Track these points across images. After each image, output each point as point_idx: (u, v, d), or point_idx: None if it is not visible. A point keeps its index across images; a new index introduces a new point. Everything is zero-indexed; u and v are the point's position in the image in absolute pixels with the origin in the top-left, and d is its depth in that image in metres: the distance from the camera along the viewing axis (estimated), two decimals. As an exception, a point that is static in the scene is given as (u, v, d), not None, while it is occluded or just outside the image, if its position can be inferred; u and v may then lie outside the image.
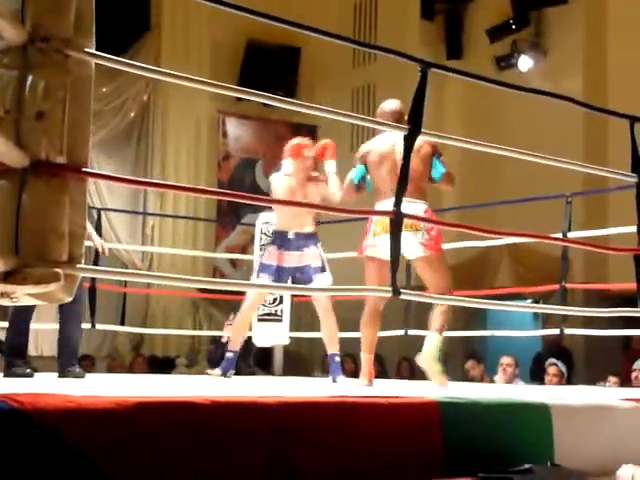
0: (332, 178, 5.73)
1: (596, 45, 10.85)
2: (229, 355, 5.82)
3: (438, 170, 4.96)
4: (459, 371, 9.33)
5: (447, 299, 4.56)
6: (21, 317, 5.26)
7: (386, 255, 4.82)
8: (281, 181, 5.77)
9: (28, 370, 5.16)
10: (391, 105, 5.07)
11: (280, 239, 5.76)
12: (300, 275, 5.67)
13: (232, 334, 5.96)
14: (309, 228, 5.76)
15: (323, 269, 5.70)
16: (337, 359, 5.76)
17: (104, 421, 2.18)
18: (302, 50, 12.56)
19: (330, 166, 5.83)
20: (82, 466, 2.11)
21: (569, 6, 10.93)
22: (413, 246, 4.80)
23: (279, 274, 5.67)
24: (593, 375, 8.29)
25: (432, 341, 4.77)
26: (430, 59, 3.50)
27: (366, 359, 5.01)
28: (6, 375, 5.01)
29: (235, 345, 5.86)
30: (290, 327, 7.21)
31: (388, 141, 4.84)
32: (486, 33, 11.58)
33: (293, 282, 5.69)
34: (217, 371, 5.79)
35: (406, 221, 4.61)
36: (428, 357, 4.75)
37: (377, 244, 4.80)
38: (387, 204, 4.65)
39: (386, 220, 4.66)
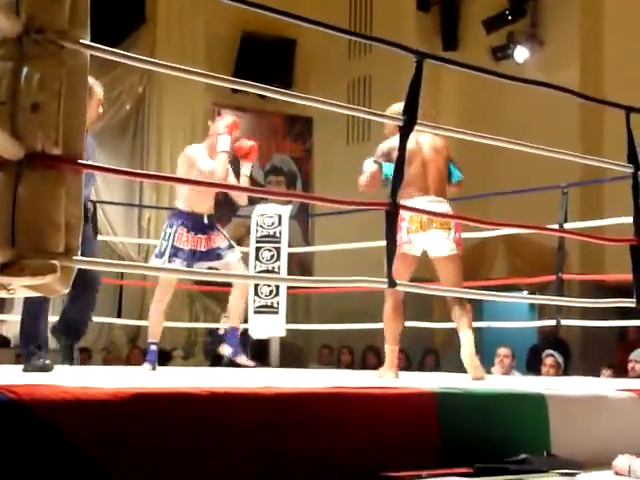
0: (244, 180, 5.79)
1: (592, 36, 10.85)
2: (153, 347, 5.70)
3: (456, 175, 5.20)
4: (458, 362, 9.34)
5: (444, 290, 4.56)
6: (34, 300, 4.78)
7: (419, 252, 4.94)
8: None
9: (48, 361, 4.75)
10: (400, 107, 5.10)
11: (192, 221, 5.59)
12: (213, 258, 5.63)
13: (151, 325, 5.80)
14: (212, 209, 5.70)
15: (231, 246, 5.69)
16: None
17: (101, 412, 2.18)
18: (297, 42, 12.54)
19: (246, 168, 5.85)
20: (78, 458, 2.12)
21: (565, -3, 10.94)
22: (444, 244, 4.94)
23: (192, 258, 5.57)
24: (589, 366, 8.30)
25: (469, 339, 4.98)
26: (426, 50, 3.49)
27: (391, 350, 5.09)
28: (25, 369, 4.66)
29: (156, 336, 5.76)
30: (286, 319, 7.22)
31: (412, 139, 4.90)
32: (482, 24, 11.57)
33: (208, 267, 5.64)
34: (147, 366, 5.61)
35: (438, 220, 4.85)
36: (469, 354, 4.97)
37: (412, 241, 4.89)
38: (419, 202, 4.74)
39: (421, 218, 4.84)
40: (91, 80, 4.32)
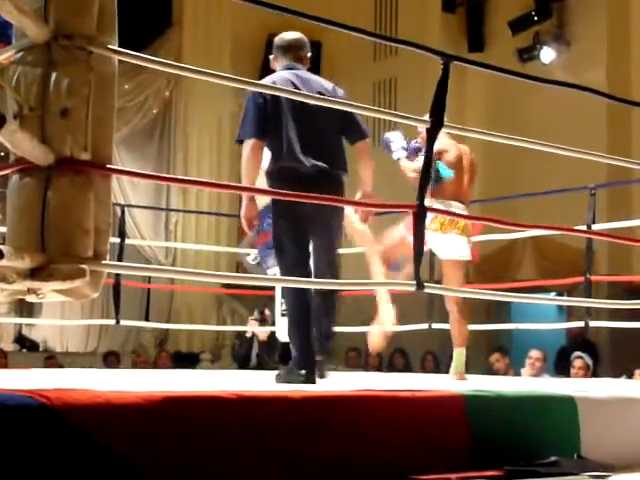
0: None
1: (619, 35, 10.79)
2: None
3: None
4: (484, 364, 9.31)
5: (471, 292, 4.55)
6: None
7: (435, 251, 4.99)
8: None
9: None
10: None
11: None
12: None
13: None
14: None
15: None
16: None
17: (131, 416, 2.19)
18: (323, 44, 12.55)
19: None
20: (109, 461, 2.13)
21: (591, -3, 10.89)
22: (458, 248, 5.00)
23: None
24: (618, 368, 8.24)
25: (460, 357, 5.07)
26: (451, 52, 3.48)
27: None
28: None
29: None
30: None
31: (453, 147, 5.03)
32: (508, 25, 11.53)
33: None
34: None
35: (460, 226, 4.92)
36: (456, 372, 5.05)
37: (429, 240, 4.89)
38: (447, 205, 4.79)
39: (444, 220, 4.91)
40: None
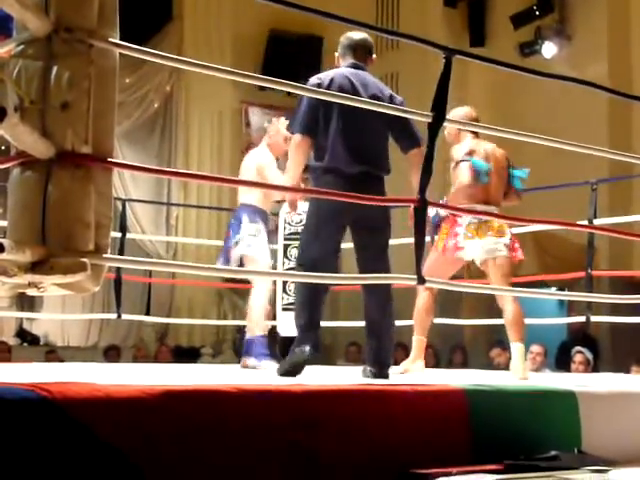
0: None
1: (620, 30, 10.77)
2: (262, 340, 5.67)
3: (517, 184, 5.25)
4: (484, 359, 9.31)
5: (472, 287, 4.55)
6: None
7: (470, 257, 5.00)
8: None
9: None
10: (460, 112, 5.28)
11: (265, 219, 5.81)
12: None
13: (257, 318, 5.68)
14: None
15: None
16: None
17: (132, 410, 2.19)
18: (325, 39, 12.53)
19: None
20: (109, 455, 2.13)
21: (593, -8, 10.86)
22: (495, 248, 4.94)
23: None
24: (619, 362, 8.24)
25: (517, 351, 4.89)
26: (453, 46, 3.47)
27: (420, 341, 5.19)
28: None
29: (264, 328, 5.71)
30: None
31: (479, 148, 5.02)
32: (510, 19, 11.51)
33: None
34: (269, 363, 5.47)
35: (495, 227, 4.91)
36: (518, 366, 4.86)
37: (465, 246, 4.95)
38: (485, 208, 4.88)
39: (479, 225, 4.91)
40: None
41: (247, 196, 5.74)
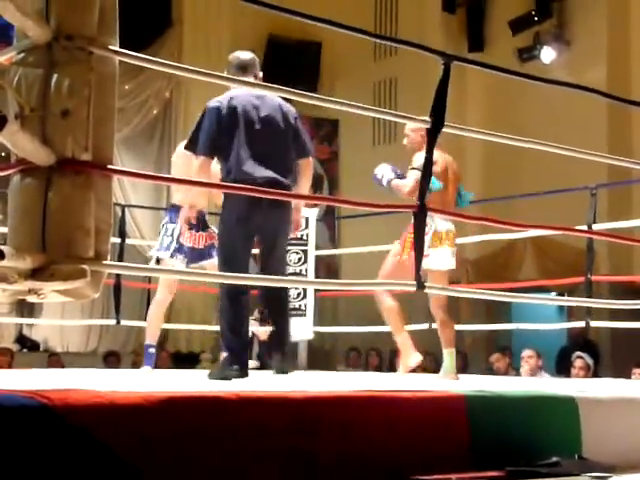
0: None
1: (619, 35, 10.79)
2: (151, 350, 5.59)
3: (466, 200, 5.42)
4: (484, 364, 9.32)
5: (472, 292, 4.55)
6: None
7: (435, 266, 5.09)
8: None
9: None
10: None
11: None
12: (206, 257, 5.58)
13: (151, 326, 5.65)
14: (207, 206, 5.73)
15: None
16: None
17: (132, 416, 2.19)
18: (323, 45, 12.56)
19: None
20: (109, 462, 2.13)
21: (592, -3, 10.88)
22: (448, 259, 5.18)
23: (191, 256, 5.57)
24: (619, 368, 8.24)
25: (449, 357, 5.19)
26: (451, 52, 3.48)
27: (405, 337, 5.25)
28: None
29: (154, 338, 5.64)
30: (314, 321, 7.22)
31: (441, 158, 5.12)
32: (508, 25, 11.53)
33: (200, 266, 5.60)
34: (147, 368, 5.54)
35: (450, 237, 5.12)
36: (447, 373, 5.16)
37: (430, 254, 5.04)
38: (434, 219, 5.00)
39: (441, 235, 5.10)
40: None
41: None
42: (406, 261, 5.06)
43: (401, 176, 5.25)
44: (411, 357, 5.17)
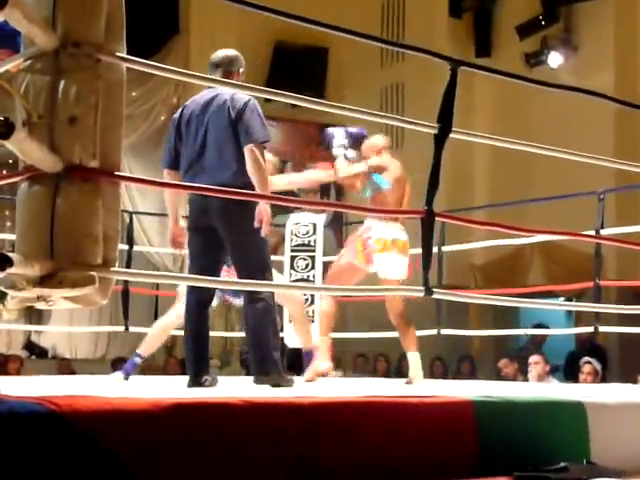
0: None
1: (626, 40, 10.78)
2: (137, 360, 5.46)
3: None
4: (492, 369, 9.30)
5: (480, 297, 4.55)
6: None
7: (383, 274, 5.17)
8: None
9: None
10: (376, 140, 5.61)
11: None
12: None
13: (152, 338, 5.56)
14: None
15: None
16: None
17: (140, 422, 2.19)
18: (330, 50, 12.56)
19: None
20: (116, 468, 2.13)
21: (599, 1, 10.86)
22: (399, 269, 5.22)
23: None
24: (627, 373, 8.22)
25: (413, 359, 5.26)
26: (458, 57, 3.48)
27: (326, 341, 5.44)
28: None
29: (148, 352, 5.54)
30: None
31: (399, 168, 5.20)
32: (515, 30, 11.52)
33: None
34: (120, 375, 5.37)
35: (400, 245, 5.17)
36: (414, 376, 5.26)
37: (375, 261, 5.18)
38: (389, 226, 5.15)
39: (386, 241, 5.15)
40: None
41: None
42: (356, 265, 5.19)
43: (353, 138, 5.43)
44: (323, 363, 5.30)
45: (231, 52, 4.72)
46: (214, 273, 4.38)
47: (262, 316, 4.36)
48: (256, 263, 4.39)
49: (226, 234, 4.43)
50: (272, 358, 4.32)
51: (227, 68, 4.63)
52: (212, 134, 4.46)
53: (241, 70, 4.69)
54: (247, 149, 4.37)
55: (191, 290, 4.50)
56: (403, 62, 12.27)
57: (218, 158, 4.44)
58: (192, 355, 4.44)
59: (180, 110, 4.70)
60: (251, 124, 4.39)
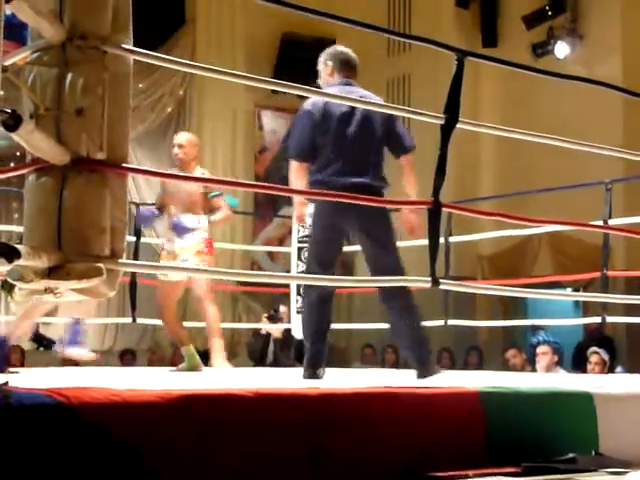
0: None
1: (633, 29, 10.72)
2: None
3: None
4: (500, 360, 9.29)
5: (488, 288, 4.54)
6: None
7: (162, 277, 5.52)
8: None
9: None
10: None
11: None
12: None
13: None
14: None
15: None
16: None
17: (148, 414, 2.20)
18: (337, 41, 12.51)
19: None
20: (125, 459, 2.13)
21: (605, -9, 10.82)
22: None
23: None
24: (635, 363, 8.21)
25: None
26: (465, 47, 3.47)
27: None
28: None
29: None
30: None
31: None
32: (522, 20, 11.48)
33: None
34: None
35: (184, 251, 5.48)
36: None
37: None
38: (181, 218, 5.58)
39: (175, 253, 5.55)
40: None
41: None
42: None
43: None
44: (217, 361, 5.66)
45: (330, 49, 5.07)
46: (331, 271, 4.43)
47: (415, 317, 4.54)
48: (394, 263, 4.44)
49: (371, 226, 4.41)
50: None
51: (355, 69, 5.04)
52: (365, 135, 4.46)
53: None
54: (405, 159, 4.54)
55: (312, 286, 4.50)
56: (409, 53, 12.23)
57: (370, 159, 4.47)
58: (315, 351, 4.43)
59: (321, 104, 4.61)
60: (402, 132, 4.57)
